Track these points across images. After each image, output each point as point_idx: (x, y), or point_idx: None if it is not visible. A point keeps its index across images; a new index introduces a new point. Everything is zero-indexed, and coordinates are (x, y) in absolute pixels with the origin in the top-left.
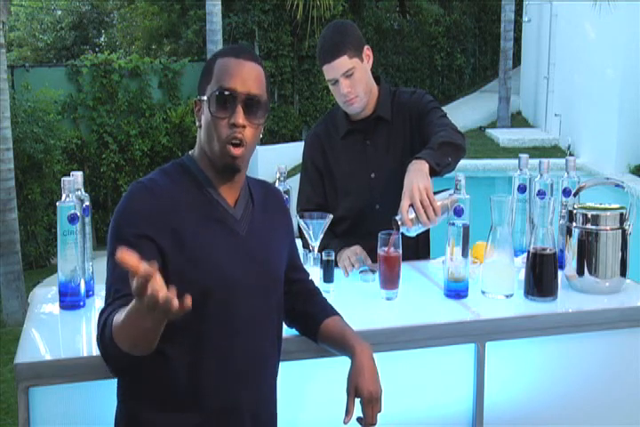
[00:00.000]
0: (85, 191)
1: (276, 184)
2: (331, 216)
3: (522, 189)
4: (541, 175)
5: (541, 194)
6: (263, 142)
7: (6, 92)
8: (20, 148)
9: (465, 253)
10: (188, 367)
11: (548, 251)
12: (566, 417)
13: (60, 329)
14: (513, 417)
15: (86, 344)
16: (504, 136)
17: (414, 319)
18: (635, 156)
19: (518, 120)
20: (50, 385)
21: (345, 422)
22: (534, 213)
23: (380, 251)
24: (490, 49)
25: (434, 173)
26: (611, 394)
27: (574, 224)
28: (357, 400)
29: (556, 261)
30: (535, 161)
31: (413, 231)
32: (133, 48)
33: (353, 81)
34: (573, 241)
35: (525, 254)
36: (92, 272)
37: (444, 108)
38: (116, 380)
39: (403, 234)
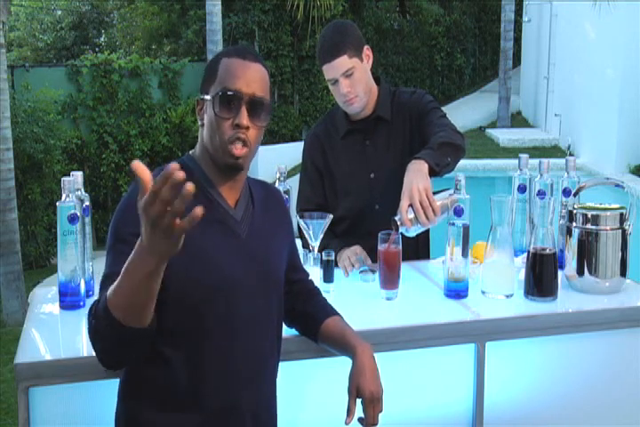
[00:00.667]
0: (85, 191)
1: (276, 184)
2: (331, 216)
3: (522, 189)
4: (541, 175)
5: (541, 194)
6: (263, 142)
7: (6, 92)
8: (19, 148)
9: (465, 253)
10: (189, 367)
11: (547, 251)
12: (566, 417)
13: (60, 329)
14: (513, 417)
15: (86, 344)
16: (504, 136)
17: (414, 319)
18: (635, 156)
19: (518, 120)
20: (50, 385)
21: (346, 423)
22: (534, 213)
23: (380, 247)
24: (490, 49)
25: (433, 173)
26: (611, 394)
27: (574, 224)
28: (358, 401)
29: (556, 261)
30: (535, 161)
31: (412, 231)
32: (133, 48)
33: (353, 81)
34: (573, 241)
35: (525, 254)
36: (92, 272)
37: (444, 108)
38: (115, 380)
39: (402, 234)
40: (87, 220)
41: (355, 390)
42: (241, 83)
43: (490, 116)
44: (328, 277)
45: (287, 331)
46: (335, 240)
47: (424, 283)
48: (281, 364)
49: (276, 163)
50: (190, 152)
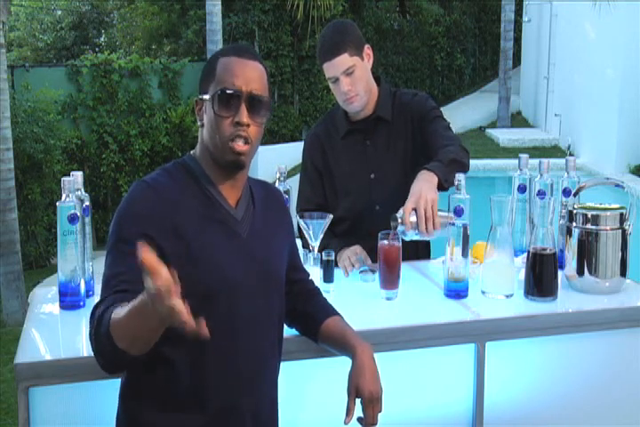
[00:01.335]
0: (85, 191)
1: (276, 184)
2: (331, 216)
3: (522, 189)
4: (541, 175)
5: (541, 194)
6: (263, 142)
7: (6, 92)
8: (19, 148)
9: (465, 253)
10: (190, 368)
11: (548, 251)
12: (566, 417)
13: (60, 329)
14: (513, 417)
15: (86, 344)
16: (504, 136)
17: (414, 319)
18: (635, 156)
19: (518, 120)
20: (50, 385)
21: (346, 423)
22: (534, 213)
23: (380, 245)
24: (490, 49)
25: (440, 187)
26: (611, 394)
27: (574, 224)
28: (358, 400)
29: (556, 261)
30: (535, 161)
31: (409, 235)
32: (133, 48)
33: (353, 79)
34: (573, 241)
35: (525, 254)
36: (92, 272)
37: (443, 109)
38: (115, 380)
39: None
40: (87, 220)
41: (354, 390)
42: (239, 81)
43: (490, 116)
44: (328, 277)
45: (287, 331)
46: (335, 240)
47: (424, 283)
48: (281, 364)
49: (276, 163)
50: (191, 152)
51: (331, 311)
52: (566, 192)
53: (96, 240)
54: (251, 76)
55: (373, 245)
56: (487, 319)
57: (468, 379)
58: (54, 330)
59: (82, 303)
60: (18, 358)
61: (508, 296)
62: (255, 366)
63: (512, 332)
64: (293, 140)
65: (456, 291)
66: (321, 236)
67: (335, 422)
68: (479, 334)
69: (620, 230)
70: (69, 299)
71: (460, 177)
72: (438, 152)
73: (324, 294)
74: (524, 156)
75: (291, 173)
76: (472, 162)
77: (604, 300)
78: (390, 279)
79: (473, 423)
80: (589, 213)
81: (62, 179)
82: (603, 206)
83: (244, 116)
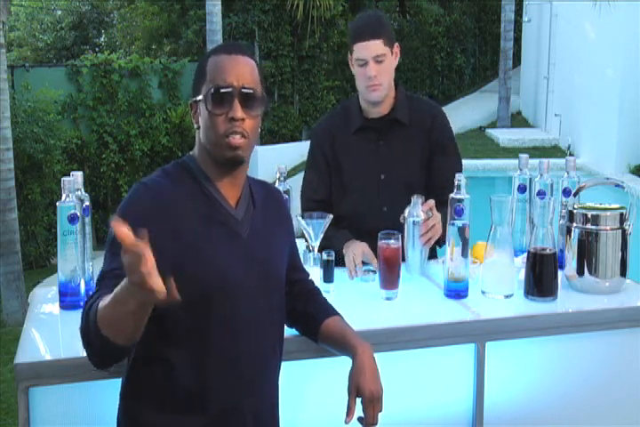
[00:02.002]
0: (85, 191)
1: (276, 184)
2: (331, 216)
3: (522, 189)
4: (541, 175)
5: (541, 194)
6: (263, 142)
7: (6, 92)
8: (19, 148)
9: (465, 253)
10: (190, 369)
11: (547, 251)
12: (566, 417)
13: (60, 329)
14: (513, 417)
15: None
16: (504, 136)
17: (414, 319)
18: (635, 156)
19: (518, 120)
20: (50, 385)
21: (346, 422)
22: (534, 213)
23: (381, 244)
24: (490, 49)
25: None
26: (611, 394)
27: (574, 224)
28: (358, 400)
29: (555, 261)
30: (535, 161)
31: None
32: (133, 48)
33: (381, 68)
34: (573, 241)
35: (525, 254)
36: (92, 272)
37: (443, 109)
38: (116, 380)
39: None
40: (87, 220)
41: (354, 390)
42: (230, 77)
43: (490, 116)
44: (328, 278)
45: (287, 331)
46: (340, 233)
47: (424, 283)
48: (281, 364)
49: (276, 163)
50: (191, 153)
51: (331, 311)
52: (566, 192)
53: (96, 240)
54: (241, 71)
55: (374, 245)
56: (487, 319)
57: (468, 379)
58: (54, 330)
59: (82, 303)
60: (18, 358)
61: (507, 296)
62: (256, 366)
63: (512, 332)
64: (293, 140)
65: (456, 291)
66: (321, 236)
67: (335, 422)
68: (479, 334)
69: (620, 230)
70: (69, 299)
71: (460, 177)
72: (446, 189)
73: (324, 294)
74: (523, 156)
75: (291, 173)
76: (472, 162)
77: (604, 300)
78: (390, 279)
79: (473, 423)
80: (589, 213)
81: (62, 179)
82: (603, 206)
83: (238, 111)
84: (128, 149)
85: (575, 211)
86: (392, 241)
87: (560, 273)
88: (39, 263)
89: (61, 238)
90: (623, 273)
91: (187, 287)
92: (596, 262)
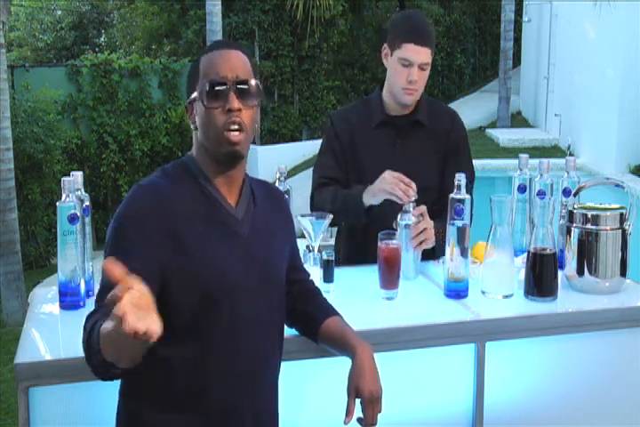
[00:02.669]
0: (85, 191)
1: (276, 184)
2: (331, 216)
3: (522, 189)
4: (541, 175)
5: (541, 194)
6: (263, 142)
7: (6, 92)
8: (19, 148)
9: (465, 254)
10: (190, 368)
11: (547, 251)
12: (566, 417)
13: (60, 329)
14: (513, 417)
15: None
16: (504, 136)
17: (414, 319)
18: (635, 156)
19: (518, 120)
20: (50, 385)
21: (345, 423)
22: (534, 213)
23: (381, 244)
24: (490, 49)
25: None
26: (611, 394)
27: (574, 224)
28: (358, 400)
29: (555, 261)
30: (535, 161)
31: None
32: (133, 48)
33: (422, 75)
34: (573, 241)
35: (525, 254)
36: (92, 272)
37: None
38: (115, 380)
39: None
40: (87, 220)
41: (354, 390)
42: (223, 70)
43: (490, 116)
44: (328, 278)
45: (287, 331)
46: (352, 189)
47: (424, 283)
48: (281, 364)
49: (276, 163)
50: (189, 153)
51: (331, 311)
52: (566, 192)
53: (96, 240)
54: (233, 63)
55: None
56: (487, 319)
57: (468, 379)
58: (54, 330)
59: (82, 303)
60: (18, 358)
61: (507, 296)
62: (256, 366)
63: (512, 332)
64: (293, 140)
65: (456, 291)
66: (321, 236)
67: (335, 423)
68: (479, 334)
69: (620, 230)
70: (69, 299)
71: (460, 177)
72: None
73: (324, 294)
74: (523, 156)
75: (291, 173)
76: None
77: (604, 300)
78: (390, 279)
79: (473, 423)
80: (589, 213)
81: (62, 179)
82: (603, 206)
83: (234, 102)
84: (128, 149)
85: (575, 211)
86: (392, 241)
87: (560, 273)
88: (39, 263)
89: (61, 238)
90: (623, 273)
91: (187, 287)
92: (596, 262)
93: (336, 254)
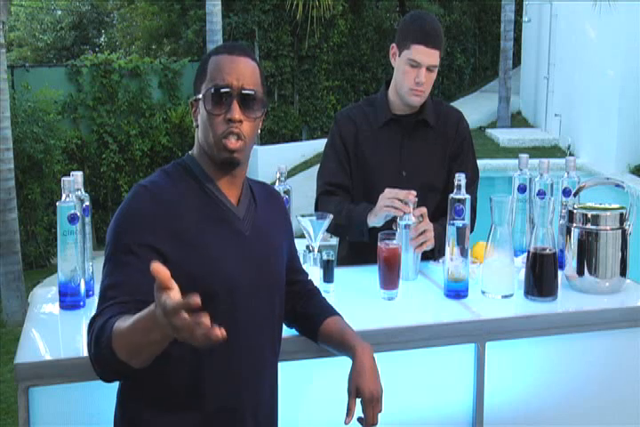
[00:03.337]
0: (85, 191)
1: (276, 184)
2: (331, 216)
3: (522, 189)
4: (541, 175)
5: (541, 194)
6: (263, 142)
7: (6, 92)
8: (20, 148)
9: (465, 254)
10: (190, 367)
11: (547, 251)
12: (566, 417)
13: (60, 329)
14: (513, 417)
15: (86, 344)
16: (504, 136)
17: (414, 319)
18: (635, 156)
19: (518, 120)
20: (50, 385)
21: (346, 423)
22: (534, 213)
23: (381, 244)
24: (490, 49)
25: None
26: (611, 394)
27: (574, 224)
28: (358, 400)
29: (556, 261)
30: (535, 161)
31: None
32: (133, 48)
33: (429, 77)
34: (573, 241)
35: (525, 254)
36: (92, 272)
37: None
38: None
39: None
40: (87, 220)
41: (354, 390)
42: (230, 77)
43: (490, 116)
44: (328, 278)
45: (287, 331)
46: (359, 205)
47: (424, 283)
48: (281, 364)
49: (276, 163)
50: (190, 152)
51: (330, 311)
52: (566, 192)
53: (96, 240)
54: (242, 72)
55: None
56: (487, 319)
57: (468, 379)
58: (54, 330)
59: (82, 303)
60: (18, 358)
61: (507, 296)
62: (255, 365)
63: (512, 332)
64: (293, 140)
65: (456, 291)
66: (321, 236)
67: (335, 422)
68: (479, 334)
69: (620, 230)
70: (69, 299)
71: (460, 177)
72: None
73: (324, 294)
74: (523, 156)
75: (291, 173)
76: None
77: (604, 300)
78: (390, 279)
79: (473, 423)
80: (589, 213)
81: (62, 179)
82: (603, 206)
83: (235, 112)
84: (128, 149)
85: (575, 211)
86: (391, 241)
87: (560, 273)
88: (39, 263)
89: (61, 238)
90: (623, 273)
91: (188, 285)
92: (596, 262)
93: (336, 254)
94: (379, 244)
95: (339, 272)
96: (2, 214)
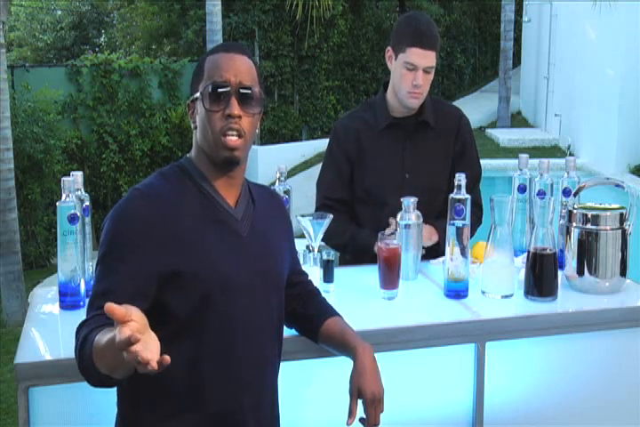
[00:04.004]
0: (85, 191)
1: (276, 184)
2: (331, 216)
3: (522, 189)
4: (541, 175)
5: (541, 194)
6: (263, 142)
7: (6, 92)
8: (19, 148)
9: (465, 253)
10: (188, 369)
11: (548, 251)
12: (566, 417)
13: (60, 329)
14: (513, 417)
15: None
16: (504, 136)
17: (414, 319)
18: (635, 156)
19: (518, 120)
20: (50, 385)
21: (348, 424)
22: (534, 213)
23: (381, 244)
24: (490, 49)
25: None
26: (611, 394)
27: (574, 224)
28: (360, 401)
29: (556, 261)
30: (535, 161)
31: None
32: (133, 48)
33: (427, 79)
34: (573, 241)
35: (525, 254)
36: (92, 272)
37: None
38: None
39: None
40: (87, 220)
41: (356, 391)
42: (228, 74)
43: (490, 116)
44: (328, 278)
45: (287, 331)
46: (364, 230)
47: (424, 283)
48: (281, 364)
49: (276, 163)
50: (187, 155)
51: (331, 312)
52: (566, 192)
53: (96, 240)
54: (239, 68)
55: None
56: (487, 319)
57: (468, 379)
58: (54, 330)
59: (82, 303)
60: (18, 358)
61: (507, 296)
62: (255, 366)
63: (512, 332)
64: (293, 140)
65: (456, 291)
66: (321, 236)
67: (336, 423)
68: (479, 334)
69: (620, 230)
70: (69, 299)
71: (460, 177)
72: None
73: (324, 294)
74: (523, 156)
75: (291, 173)
76: None
77: (604, 300)
78: (390, 279)
79: (473, 423)
80: (589, 213)
81: (62, 179)
82: (603, 206)
83: (234, 108)
84: (128, 149)
85: (575, 211)
86: (392, 241)
87: (560, 273)
88: (39, 263)
89: (61, 238)
90: (623, 273)
91: (186, 286)
92: (596, 262)
93: (337, 253)
94: (379, 244)
95: (339, 272)
96: (2, 214)
